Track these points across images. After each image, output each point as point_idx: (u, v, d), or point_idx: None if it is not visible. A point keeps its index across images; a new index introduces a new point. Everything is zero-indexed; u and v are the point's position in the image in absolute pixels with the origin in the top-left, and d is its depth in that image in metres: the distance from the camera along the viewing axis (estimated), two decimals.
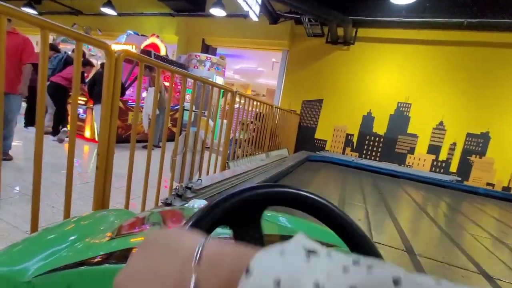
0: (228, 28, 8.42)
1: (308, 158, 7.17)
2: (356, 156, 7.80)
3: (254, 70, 13.05)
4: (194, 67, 7.51)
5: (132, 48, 6.48)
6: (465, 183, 6.81)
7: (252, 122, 3.99)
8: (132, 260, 0.21)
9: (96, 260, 0.49)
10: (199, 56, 7.58)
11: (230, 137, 3.41)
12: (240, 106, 3.66)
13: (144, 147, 4.38)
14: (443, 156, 7.03)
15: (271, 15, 7.50)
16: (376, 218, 3.25)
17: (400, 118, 7.34)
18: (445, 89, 6.93)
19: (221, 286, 0.17)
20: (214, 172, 3.01)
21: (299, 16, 6.95)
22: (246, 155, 4.05)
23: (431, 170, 7.13)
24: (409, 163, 7.33)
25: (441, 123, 7.00)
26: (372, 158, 7.65)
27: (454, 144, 6.93)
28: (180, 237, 0.22)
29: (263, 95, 16.73)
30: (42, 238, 0.62)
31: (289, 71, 8.40)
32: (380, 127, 7.52)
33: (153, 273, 0.19)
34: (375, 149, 7.61)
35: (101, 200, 1.61)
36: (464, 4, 6.17)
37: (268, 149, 5.15)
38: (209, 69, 7.54)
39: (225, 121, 3.39)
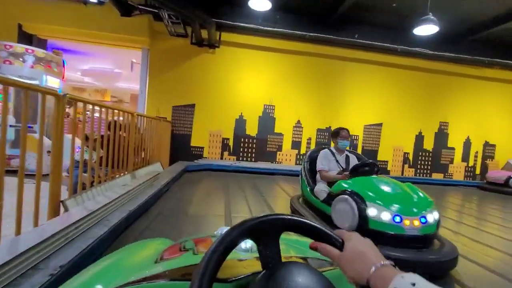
0: (61, 14, 6.41)
1: (186, 169, 6.49)
2: (234, 159, 7.82)
3: (110, 71, 10.91)
4: (5, 63, 5.21)
5: None
6: None
7: (102, 136, 2.93)
8: (351, 241, 0.45)
9: (148, 279, 0.56)
10: (12, 47, 5.32)
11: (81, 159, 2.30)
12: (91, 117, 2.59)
13: None
14: (303, 149, 8.14)
15: (121, 5, 6.25)
16: None
17: (267, 119, 7.92)
18: (299, 92, 8.03)
19: None
20: (35, 223, 1.88)
21: (157, 11, 6.12)
22: (100, 182, 2.96)
23: (296, 163, 8.11)
24: (279, 159, 8.04)
25: (298, 122, 8.07)
26: (249, 159, 7.89)
27: (310, 138, 8.16)
28: (372, 248, 0.45)
29: (127, 103, 14.43)
30: (100, 265, 0.76)
31: (153, 73, 7.38)
32: (251, 129, 7.85)
33: (360, 253, 0.43)
34: (249, 150, 7.88)
35: None
36: (306, 20, 7.29)
37: (134, 167, 4.12)
38: (33, 66, 5.43)
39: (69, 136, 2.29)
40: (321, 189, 2.93)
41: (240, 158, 7.85)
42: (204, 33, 6.96)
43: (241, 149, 7.85)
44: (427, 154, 8.69)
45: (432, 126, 8.67)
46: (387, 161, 8.52)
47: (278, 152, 8.03)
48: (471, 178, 8.92)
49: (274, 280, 0.39)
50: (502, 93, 8.91)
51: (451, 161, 8.82)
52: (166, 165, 6.38)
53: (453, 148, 8.79)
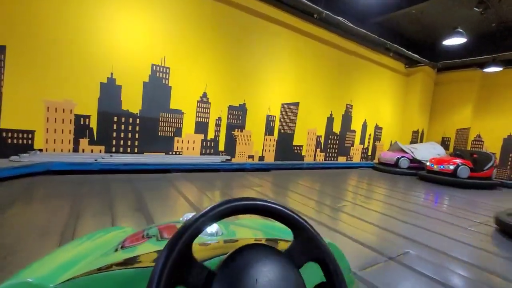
0: None
1: None
2: (101, 151, 4.74)
3: None
4: None
5: None
6: (233, 160, 6.30)
7: None
8: None
9: (109, 267, 0.55)
10: None
11: None
12: None
13: None
14: (210, 134, 5.97)
15: None
16: None
17: (158, 88, 5.18)
18: (205, 50, 5.64)
19: None
20: None
21: None
22: None
23: (202, 153, 5.87)
24: (177, 148, 5.56)
25: (205, 95, 5.76)
26: (129, 150, 5.00)
27: (219, 119, 6.05)
28: None
29: None
30: (60, 253, 0.74)
31: None
32: (132, 102, 4.94)
33: None
34: (129, 135, 4.99)
35: None
36: None
37: None
38: None
39: None
40: None
41: (113, 149, 4.85)
42: None
43: (114, 134, 4.84)
44: (336, 137, 8.40)
45: (340, 108, 8.37)
46: (301, 146, 7.61)
47: (176, 138, 5.52)
48: (365, 160, 9.43)
49: (235, 261, 0.39)
50: (391, 80, 9.65)
51: (352, 144, 8.95)
52: None
53: (354, 131, 8.89)
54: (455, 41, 6.32)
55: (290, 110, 7.18)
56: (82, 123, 4.53)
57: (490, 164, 7.07)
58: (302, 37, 7.07)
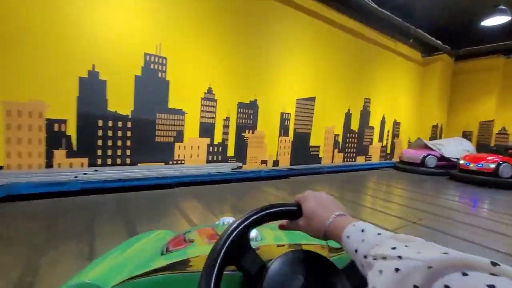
0: None
1: None
2: (83, 165, 3.72)
3: None
4: None
5: None
6: (244, 167, 5.34)
7: None
8: (306, 202, 0.46)
9: (159, 271, 0.57)
10: None
11: None
12: None
13: None
14: (218, 136, 5.00)
15: None
16: None
17: (153, 82, 4.18)
18: (209, 38, 4.65)
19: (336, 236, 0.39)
20: None
21: None
22: None
23: (208, 161, 4.90)
24: (179, 156, 4.57)
25: (210, 91, 4.78)
26: (118, 162, 3.99)
27: (228, 119, 5.08)
28: (327, 200, 0.46)
29: None
30: (110, 256, 0.76)
31: None
32: (121, 101, 3.93)
33: (314, 212, 0.44)
34: (119, 143, 3.98)
35: None
36: None
37: None
38: None
39: None
40: None
41: (98, 162, 3.84)
42: None
43: (99, 143, 3.83)
44: (354, 135, 7.51)
45: (358, 102, 7.47)
46: (319, 147, 6.70)
47: (178, 144, 4.54)
48: (384, 159, 8.58)
49: (286, 267, 0.41)
50: (408, 70, 8.80)
51: (371, 142, 8.07)
52: None
53: (372, 128, 8.02)
54: (497, 20, 5.46)
55: (306, 106, 6.24)
56: (56, 129, 3.51)
57: None
58: (321, 23, 6.15)
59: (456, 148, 7.70)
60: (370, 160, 8.07)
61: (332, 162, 7.02)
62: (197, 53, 4.52)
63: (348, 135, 7.33)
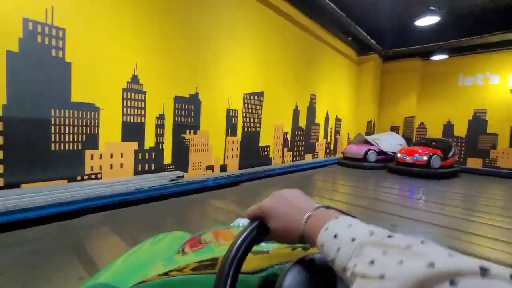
0: None
1: None
2: None
3: None
4: None
5: None
6: (185, 175, 4.34)
7: None
8: (275, 195, 0.42)
9: (175, 272, 0.57)
10: None
11: None
12: None
13: None
14: (150, 139, 3.87)
15: None
16: None
17: (44, 64, 2.84)
18: (136, 9, 3.49)
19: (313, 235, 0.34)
20: None
21: None
22: None
23: (136, 172, 3.74)
24: (92, 169, 3.29)
25: (135, 80, 3.62)
26: None
27: (162, 116, 3.99)
28: (302, 197, 0.41)
29: None
30: (128, 257, 0.77)
31: None
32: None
33: (289, 205, 0.39)
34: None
35: None
36: None
37: None
38: None
39: None
40: None
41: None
42: None
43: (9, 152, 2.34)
44: (302, 132, 7.21)
45: (305, 98, 7.19)
46: (268, 146, 6.12)
47: (89, 152, 3.26)
48: (328, 155, 8.60)
49: (305, 273, 0.38)
50: (346, 68, 9.01)
51: (317, 139, 7.95)
52: None
53: (318, 125, 7.90)
54: (428, 20, 5.77)
55: (255, 102, 5.57)
56: None
57: (452, 152, 7.01)
58: (271, 13, 5.58)
59: (390, 142, 8.19)
60: (317, 157, 7.95)
61: (282, 162, 6.55)
62: (114, 26, 3.31)
63: (296, 132, 6.97)
